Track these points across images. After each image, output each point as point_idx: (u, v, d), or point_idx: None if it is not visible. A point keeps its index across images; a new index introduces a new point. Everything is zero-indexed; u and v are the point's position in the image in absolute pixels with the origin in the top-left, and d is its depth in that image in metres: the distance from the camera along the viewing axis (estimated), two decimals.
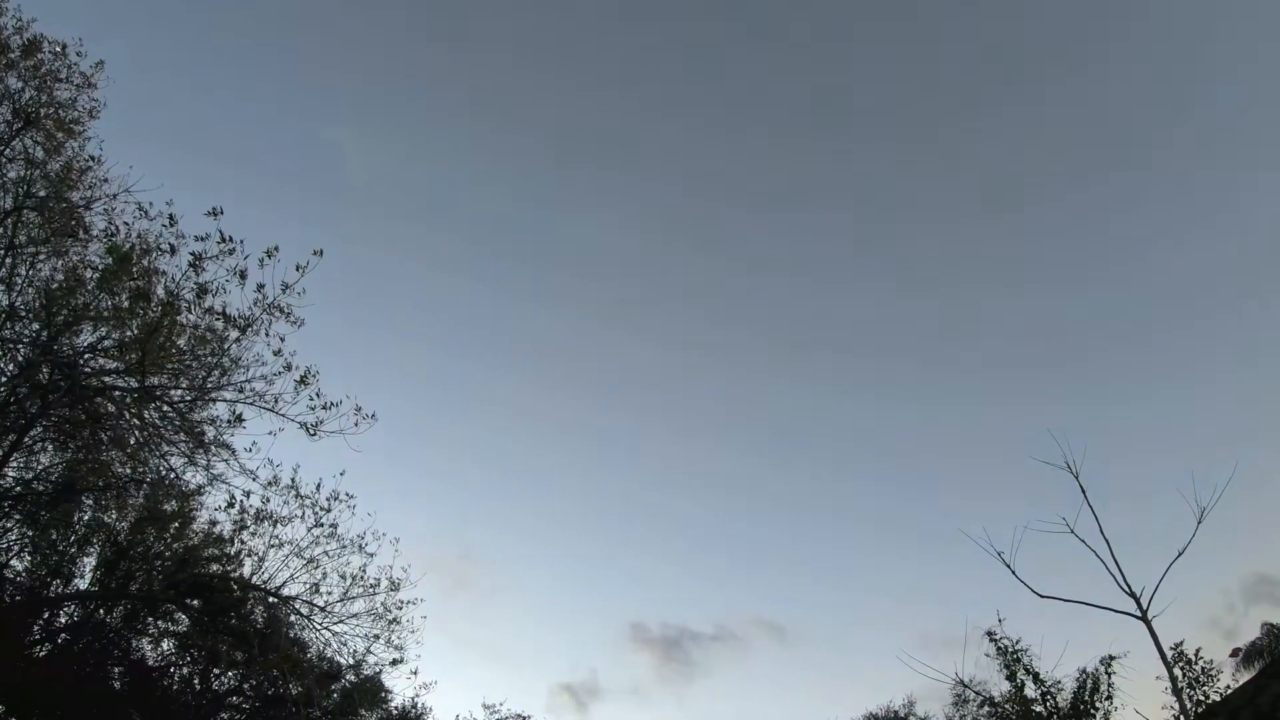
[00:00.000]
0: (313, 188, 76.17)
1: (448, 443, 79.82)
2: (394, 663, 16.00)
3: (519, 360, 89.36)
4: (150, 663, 15.31)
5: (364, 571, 15.63)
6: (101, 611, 14.59)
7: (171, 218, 12.16)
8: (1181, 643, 16.92)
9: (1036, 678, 17.42)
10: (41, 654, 13.56)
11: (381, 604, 15.73)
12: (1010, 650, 17.72)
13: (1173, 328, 74.72)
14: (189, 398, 13.33)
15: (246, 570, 15.13)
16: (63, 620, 14.45)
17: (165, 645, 15.72)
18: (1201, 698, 16.30)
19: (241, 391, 13.12)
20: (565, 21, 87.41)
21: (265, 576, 15.12)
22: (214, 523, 15.20)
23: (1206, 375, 71.07)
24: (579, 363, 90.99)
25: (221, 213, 11.95)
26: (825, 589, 77.11)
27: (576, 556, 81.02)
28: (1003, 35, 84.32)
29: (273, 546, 15.07)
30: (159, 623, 15.18)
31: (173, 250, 12.26)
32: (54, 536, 13.93)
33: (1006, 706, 17.93)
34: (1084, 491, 11.87)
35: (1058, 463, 12.13)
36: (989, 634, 17.94)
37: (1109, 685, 17.29)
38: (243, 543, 14.98)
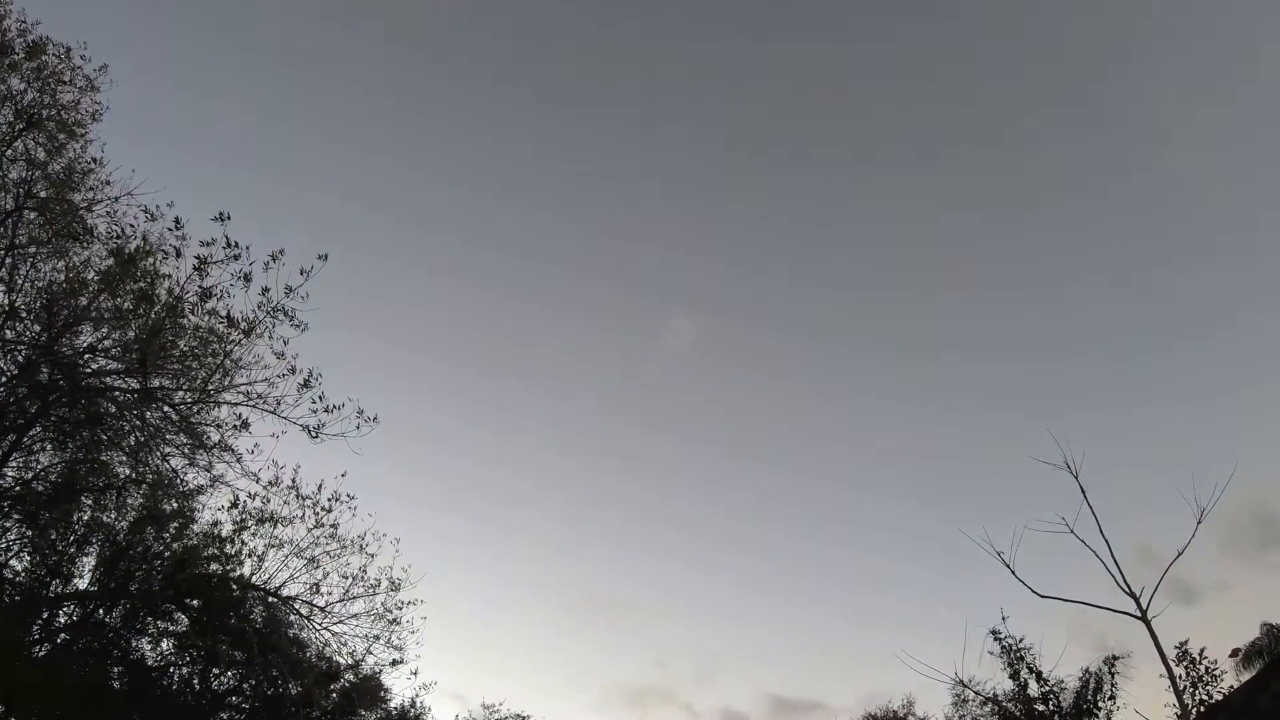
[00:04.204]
0: (316, 191, 76.39)
1: (448, 444, 79.82)
2: (394, 663, 16.06)
3: (520, 362, 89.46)
4: (150, 662, 15.29)
5: (364, 572, 15.70)
6: (101, 611, 14.59)
7: (178, 221, 12.24)
8: (1186, 642, 16.92)
9: (1040, 676, 17.42)
10: (41, 654, 13.55)
11: (381, 604, 15.79)
12: (1014, 649, 17.74)
13: (1173, 327, 74.77)
14: (191, 400, 13.37)
15: (246, 570, 15.18)
16: (62, 620, 14.43)
17: (165, 645, 15.71)
18: (1204, 698, 16.25)
19: (245, 395, 13.18)
20: (571, 22, 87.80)
21: (265, 576, 15.17)
22: (215, 523, 15.26)
23: (1207, 375, 71.07)
24: (581, 366, 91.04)
25: (228, 218, 12.05)
26: (825, 588, 76.98)
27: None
28: (1007, 36, 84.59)
29: (273, 546, 15.14)
30: (158, 622, 15.18)
31: (177, 254, 12.33)
32: (53, 536, 13.94)
33: (1009, 706, 17.91)
34: (1084, 491, 11.93)
35: (1058, 463, 12.20)
36: (994, 633, 17.98)
37: (1112, 685, 17.31)
38: (243, 543, 15.04)
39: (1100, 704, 17.05)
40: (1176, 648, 16.70)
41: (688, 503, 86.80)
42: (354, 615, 15.53)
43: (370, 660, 16.07)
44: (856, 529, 79.15)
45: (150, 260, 12.40)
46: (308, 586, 15.28)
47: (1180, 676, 16.05)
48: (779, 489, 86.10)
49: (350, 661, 15.92)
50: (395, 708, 18.65)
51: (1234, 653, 20.46)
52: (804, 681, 68.67)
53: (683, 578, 78.67)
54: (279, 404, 13.06)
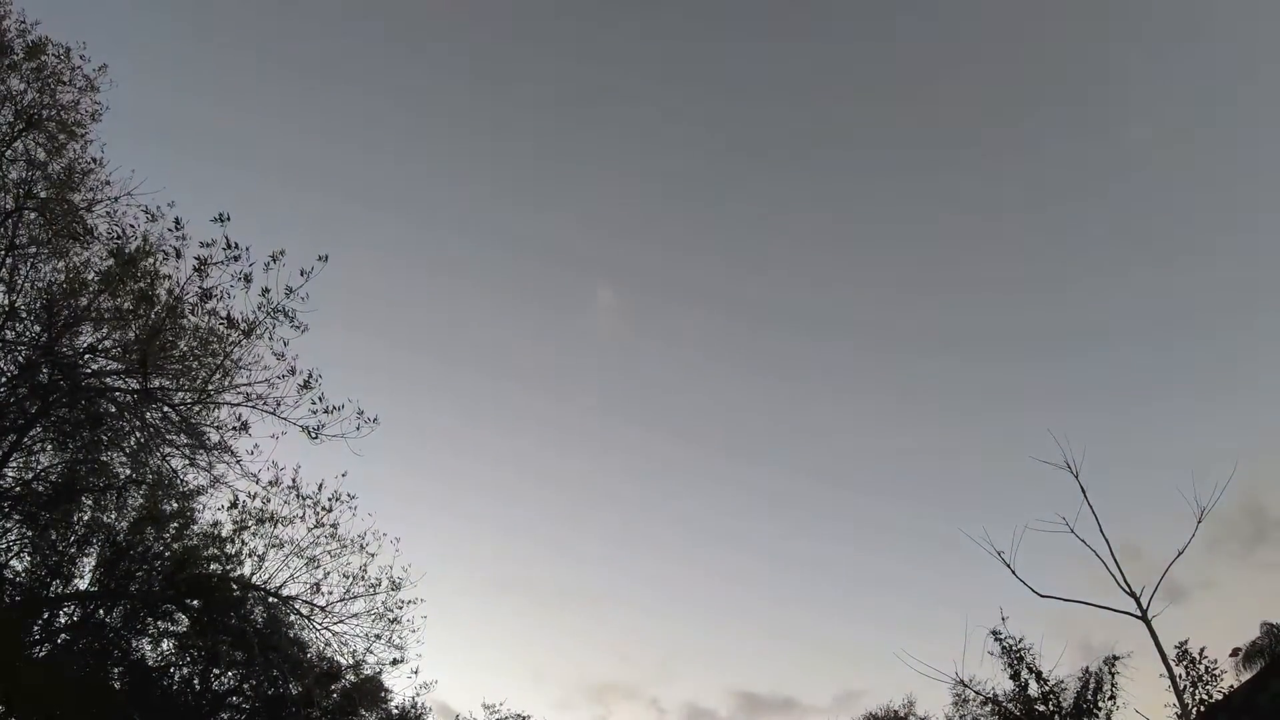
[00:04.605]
0: (316, 191, 76.38)
1: (448, 444, 79.86)
2: (394, 662, 16.06)
3: (519, 362, 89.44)
4: (150, 663, 15.30)
5: (364, 571, 15.69)
6: (101, 611, 14.60)
7: (178, 221, 12.21)
8: (1185, 642, 16.90)
9: (1039, 676, 17.42)
10: (41, 654, 13.55)
11: (382, 604, 15.79)
12: (1014, 649, 17.74)
13: (1174, 328, 74.79)
14: (191, 400, 13.36)
15: (246, 570, 15.19)
16: (62, 620, 14.44)
17: (165, 645, 15.73)
18: (1205, 697, 16.24)
19: (245, 395, 13.17)
20: (572, 22, 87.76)
21: (265, 576, 15.17)
22: (215, 523, 15.26)
23: (1207, 375, 71.10)
24: (580, 365, 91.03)
25: (228, 219, 12.01)
26: (825, 589, 77.01)
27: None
28: (1008, 38, 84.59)
29: (273, 546, 15.14)
30: (159, 623, 15.19)
31: (177, 254, 12.30)
32: (53, 536, 13.94)
33: (1009, 706, 17.92)
34: (1084, 491, 11.92)
35: (1058, 463, 12.18)
36: (994, 633, 17.98)
37: (1112, 685, 17.31)
38: (243, 543, 15.03)
39: (1100, 704, 17.05)
40: (1176, 648, 16.70)
41: (677, 500, 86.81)
42: (354, 615, 15.54)
43: (371, 660, 16.09)
44: (854, 528, 79.23)
45: (150, 261, 12.38)
46: (308, 586, 15.29)
47: (1180, 676, 16.04)
48: (776, 488, 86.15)
49: (351, 661, 15.92)
50: (396, 707, 18.66)
51: (1234, 652, 20.48)
52: (778, 678, 68.75)
53: (653, 572, 78.78)
54: (279, 405, 13.04)
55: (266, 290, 12.26)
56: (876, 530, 78.25)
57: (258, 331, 12.56)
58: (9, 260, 12.31)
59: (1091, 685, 17.33)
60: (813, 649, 68.26)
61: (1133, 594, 11.26)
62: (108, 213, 12.66)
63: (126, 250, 12.25)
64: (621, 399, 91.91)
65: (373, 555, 15.72)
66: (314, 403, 12.98)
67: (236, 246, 11.99)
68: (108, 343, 13.05)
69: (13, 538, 13.76)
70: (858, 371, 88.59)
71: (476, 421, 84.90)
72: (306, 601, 15.19)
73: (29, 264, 12.63)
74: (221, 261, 12.08)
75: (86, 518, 14.39)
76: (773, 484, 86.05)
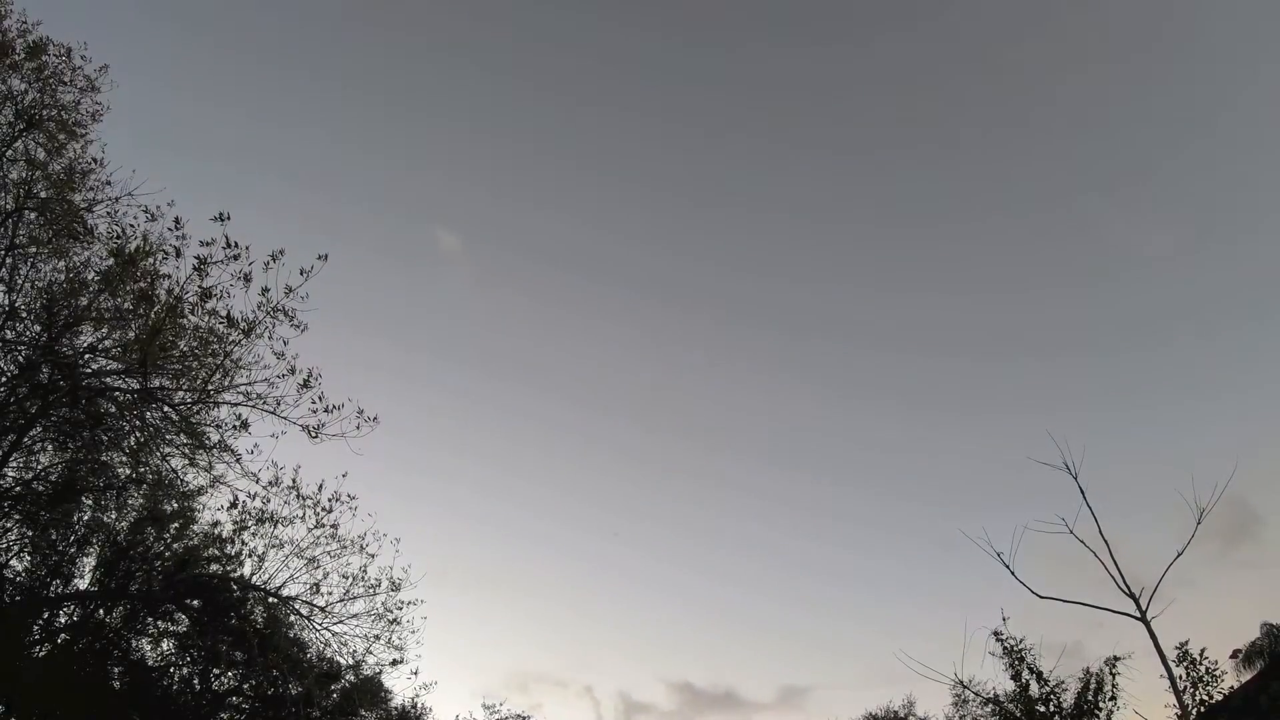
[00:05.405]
0: (316, 191, 76.40)
1: (447, 444, 79.79)
2: (394, 663, 16.03)
3: (518, 365, 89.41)
4: (150, 663, 15.30)
5: (364, 572, 15.66)
6: (101, 611, 14.60)
7: (178, 221, 12.18)
8: (1186, 642, 16.85)
9: (1040, 677, 17.39)
10: (41, 654, 13.55)
11: (382, 604, 15.77)
12: (1015, 649, 17.72)
13: (1173, 328, 74.78)
14: (191, 400, 13.35)
15: (247, 570, 15.16)
16: (62, 620, 14.44)
17: (165, 645, 15.73)
18: (1205, 698, 16.20)
19: (245, 395, 13.15)
20: (567, 26, 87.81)
21: (265, 577, 15.15)
22: (215, 523, 15.24)
23: (1207, 375, 71.10)
24: (577, 366, 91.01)
25: (228, 218, 11.97)
26: (825, 590, 76.98)
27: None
28: (1010, 39, 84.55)
29: (273, 547, 15.11)
30: (159, 623, 15.19)
31: (177, 254, 12.28)
32: (54, 536, 13.94)
33: (1010, 706, 17.90)
34: (1083, 492, 11.84)
35: (1057, 463, 12.11)
36: (995, 633, 17.96)
37: (1112, 686, 17.27)
38: (243, 543, 15.02)
39: (1101, 705, 17.02)
40: (1176, 649, 16.65)
41: (655, 493, 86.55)
42: (354, 615, 15.50)
43: (371, 660, 16.06)
44: (850, 526, 79.24)
45: (150, 260, 12.35)
46: (308, 587, 15.25)
47: (1180, 677, 15.99)
48: (779, 490, 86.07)
49: (351, 661, 15.90)
50: (395, 708, 18.65)
51: (1234, 654, 20.44)
52: (717, 671, 68.38)
53: (590, 560, 78.34)
54: (279, 404, 13.01)
55: (266, 289, 12.23)
56: (874, 529, 78.33)
57: (257, 331, 12.54)
58: (9, 260, 12.31)
59: (1092, 686, 17.29)
60: (754, 643, 67.99)
61: (1132, 595, 11.21)
62: (108, 213, 12.66)
63: (126, 250, 12.24)
64: (623, 401, 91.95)
65: (373, 556, 15.72)
66: (314, 402, 12.97)
67: (236, 245, 11.96)
68: (108, 342, 13.04)
69: (13, 538, 13.76)
70: (856, 371, 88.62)
71: (475, 420, 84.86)
72: (306, 602, 15.17)
73: (29, 264, 12.64)
74: (221, 261, 12.04)
75: (86, 518, 14.38)
76: (768, 484, 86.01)
